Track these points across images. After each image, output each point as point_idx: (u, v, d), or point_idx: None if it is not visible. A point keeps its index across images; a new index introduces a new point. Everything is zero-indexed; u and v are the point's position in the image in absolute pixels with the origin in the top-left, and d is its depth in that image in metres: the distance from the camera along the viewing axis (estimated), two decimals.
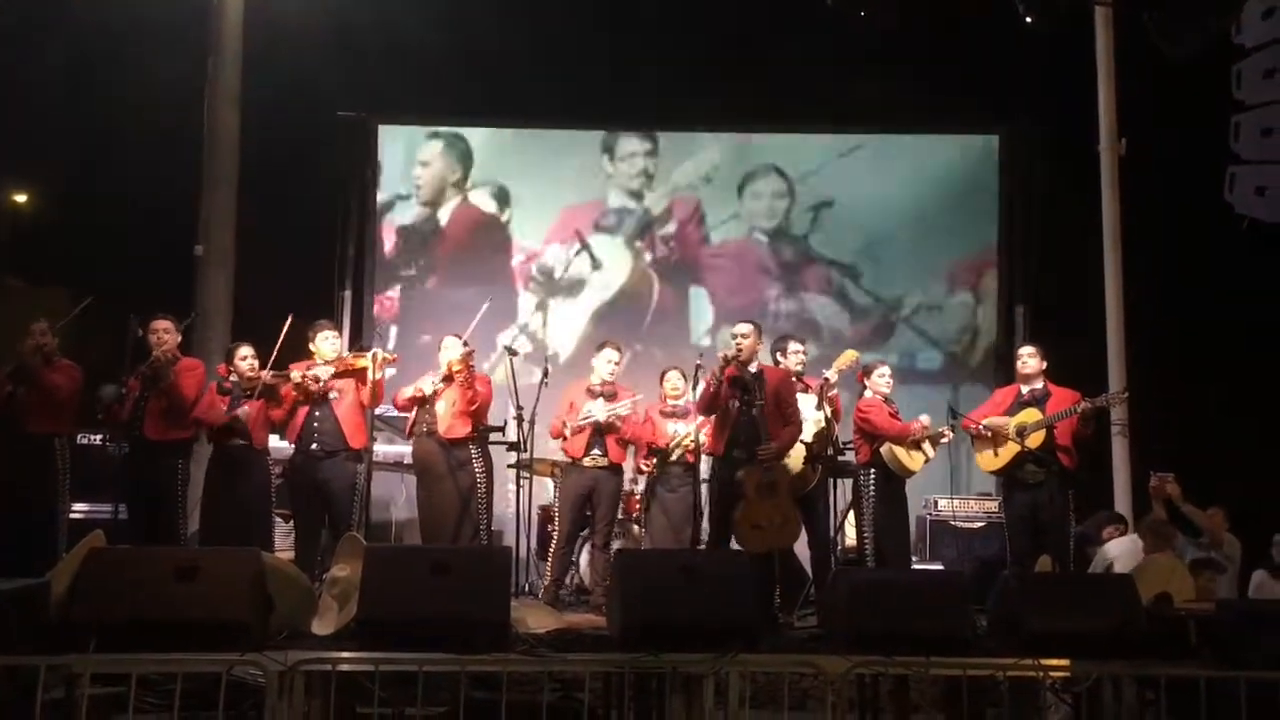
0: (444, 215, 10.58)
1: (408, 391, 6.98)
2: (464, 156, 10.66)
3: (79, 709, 4.13)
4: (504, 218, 10.59)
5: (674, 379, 7.43)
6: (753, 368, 6.35)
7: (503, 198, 10.63)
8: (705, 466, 6.91)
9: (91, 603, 4.20)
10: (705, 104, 10.16)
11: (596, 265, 10.51)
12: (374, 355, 6.73)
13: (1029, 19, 6.65)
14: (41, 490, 6.36)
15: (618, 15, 9.68)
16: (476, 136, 10.62)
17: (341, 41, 9.36)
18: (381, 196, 10.44)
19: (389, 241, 10.45)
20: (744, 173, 10.61)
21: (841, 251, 10.47)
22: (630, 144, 10.65)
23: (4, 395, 6.32)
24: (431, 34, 9.24)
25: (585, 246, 10.58)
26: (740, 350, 6.33)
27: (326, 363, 6.76)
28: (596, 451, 7.00)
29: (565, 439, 7.05)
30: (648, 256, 10.61)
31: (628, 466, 7.44)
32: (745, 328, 6.44)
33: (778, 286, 10.52)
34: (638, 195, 10.64)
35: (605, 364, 7.21)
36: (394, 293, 10.37)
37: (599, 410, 7.01)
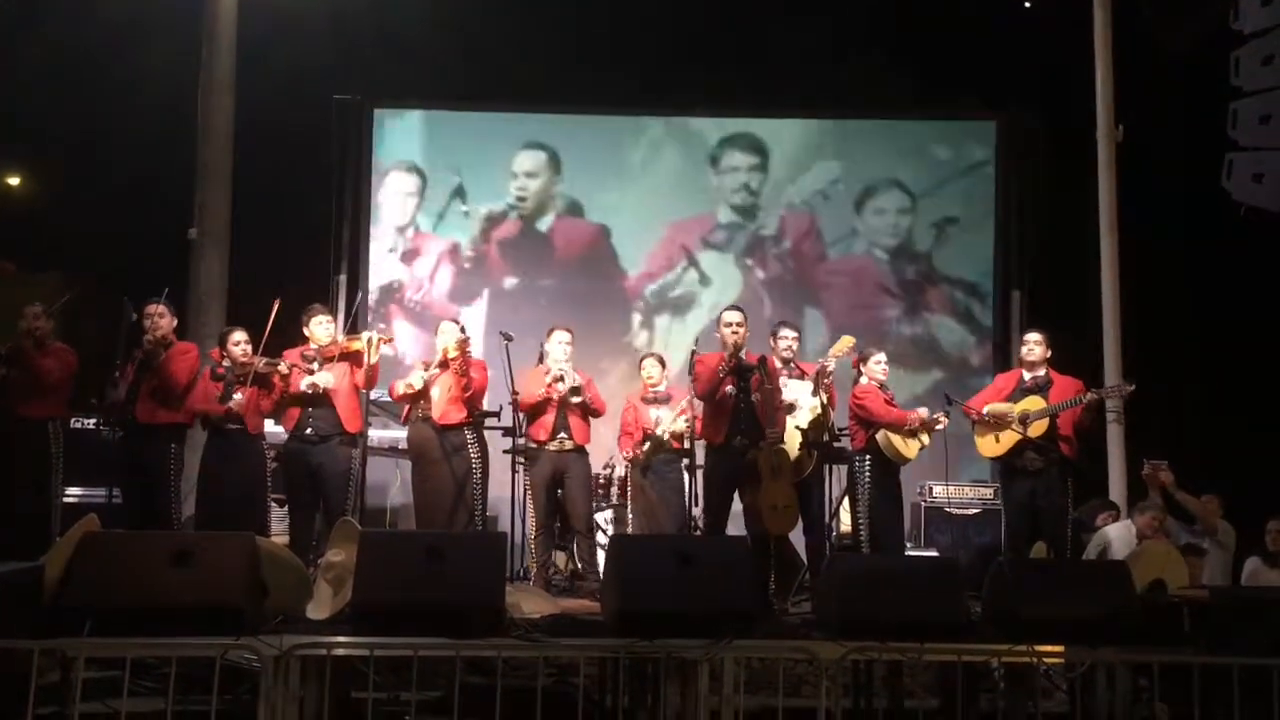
0: (543, 226, 10.32)
1: (400, 387, 6.96)
2: (556, 166, 10.39)
3: (74, 692, 4.13)
4: (606, 230, 10.28)
5: (650, 366, 7.53)
6: (743, 354, 6.41)
7: (602, 210, 10.34)
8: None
9: (86, 587, 4.20)
10: (696, 84, 10.03)
11: (705, 281, 10.17)
12: (369, 339, 6.72)
13: (1027, 4, 6.61)
14: (34, 473, 6.36)
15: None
16: (563, 145, 10.33)
17: (336, 25, 9.32)
18: (469, 225, 10.22)
19: (492, 252, 10.20)
20: (862, 188, 10.22)
21: (967, 269, 10.14)
22: (734, 158, 10.29)
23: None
24: (430, 15, 9.21)
25: (693, 262, 10.21)
26: (738, 340, 6.43)
27: (322, 350, 6.73)
28: (563, 435, 6.96)
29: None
30: (759, 274, 10.21)
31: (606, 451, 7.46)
32: (737, 315, 6.53)
33: (898, 307, 10.12)
34: (747, 211, 10.26)
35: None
36: (480, 303, 10.14)
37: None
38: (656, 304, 10.21)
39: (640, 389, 7.56)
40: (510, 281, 10.22)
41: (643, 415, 7.33)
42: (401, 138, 10.37)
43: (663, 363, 7.65)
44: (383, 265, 10.20)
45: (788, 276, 10.23)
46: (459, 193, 10.30)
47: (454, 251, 10.25)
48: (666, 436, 7.20)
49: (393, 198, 10.28)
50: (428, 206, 10.27)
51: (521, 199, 10.31)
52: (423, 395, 6.86)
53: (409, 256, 10.23)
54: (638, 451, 7.31)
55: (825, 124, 10.48)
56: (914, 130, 10.43)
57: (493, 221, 10.29)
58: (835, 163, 10.34)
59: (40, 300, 6.64)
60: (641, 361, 7.67)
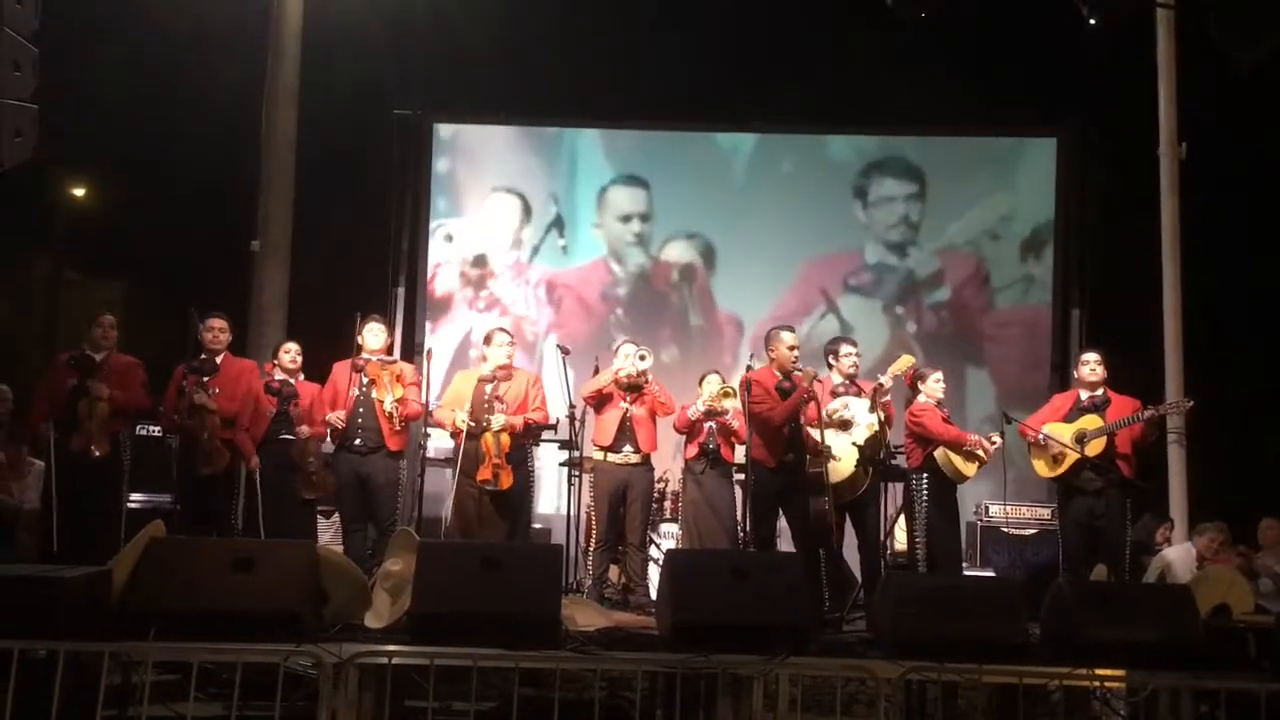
0: (635, 271, 9.82)
1: (446, 426, 6.96)
2: (650, 204, 9.85)
3: (138, 695, 4.20)
4: (711, 274, 9.60)
5: (714, 383, 7.28)
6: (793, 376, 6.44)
7: (706, 251, 9.70)
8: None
9: (151, 591, 4.27)
10: (754, 98, 9.86)
11: (846, 331, 9.01)
12: (398, 375, 6.77)
13: (1091, 20, 6.54)
14: (106, 484, 6.44)
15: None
16: (656, 173, 9.79)
17: (398, 41, 9.43)
18: (566, 261, 9.85)
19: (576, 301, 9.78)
20: (1034, 226, 9.35)
21: None
22: (886, 186, 9.45)
23: (68, 388, 6.42)
24: (490, 30, 9.28)
25: (833, 308, 9.26)
26: (799, 362, 6.51)
27: (369, 374, 6.79)
28: (628, 448, 6.99)
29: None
30: (910, 326, 9.20)
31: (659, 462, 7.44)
32: (794, 337, 6.61)
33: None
34: (900, 249, 9.33)
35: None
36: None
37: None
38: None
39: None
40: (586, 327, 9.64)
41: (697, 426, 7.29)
42: (492, 156, 10.16)
43: (725, 382, 7.37)
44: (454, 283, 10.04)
45: (945, 330, 9.16)
46: (557, 224, 10.07)
47: (550, 287, 9.94)
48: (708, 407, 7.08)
49: (493, 220, 10.08)
50: (529, 234, 10.05)
51: (638, 239, 9.76)
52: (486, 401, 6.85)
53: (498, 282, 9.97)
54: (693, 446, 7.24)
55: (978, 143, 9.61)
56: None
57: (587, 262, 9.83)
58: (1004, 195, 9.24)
59: (98, 310, 6.75)
60: (704, 378, 7.39)
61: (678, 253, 9.89)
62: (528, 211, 10.09)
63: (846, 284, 9.48)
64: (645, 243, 9.90)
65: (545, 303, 10.02)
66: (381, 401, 6.71)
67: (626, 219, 9.94)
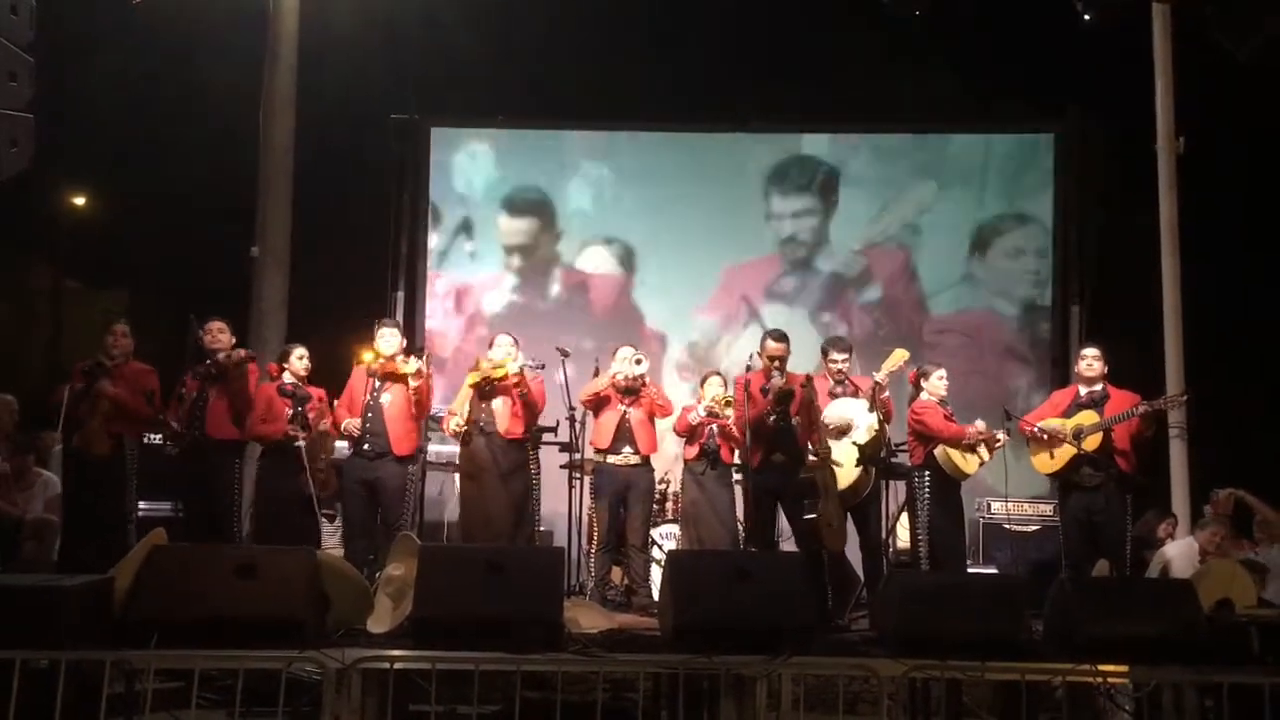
0: (553, 287, 9.67)
1: (451, 425, 6.99)
2: (554, 215, 9.70)
3: (141, 704, 4.20)
4: (633, 280, 9.37)
5: (715, 386, 7.18)
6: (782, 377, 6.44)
7: (625, 257, 9.51)
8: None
9: (153, 599, 4.27)
10: (745, 98, 9.76)
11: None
12: (417, 369, 6.78)
13: (1086, 16, 6.56)
14: (113, 489, 6.49)
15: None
16: (564, 187, 9.65)
17: (393, 46, 9.44)
18: (469, 278, 9.64)
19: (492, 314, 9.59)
20: (980, 222, 9.01)
21: None
22: (795, 187, 9.15)
23: (76, 394, 6.45)
24: (484, 34, 9.29)
25: (755, 317, 8.93)
26: (782, 366, 6.48)
27: (381, 374, 6.81)
28: (627, 449, 6.99)
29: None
30: (842, 330, 8.65)
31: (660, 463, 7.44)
32: (781, 347, 6.55)
33: (1029, 375, 8.89)
34: (815, 254, 8.87)
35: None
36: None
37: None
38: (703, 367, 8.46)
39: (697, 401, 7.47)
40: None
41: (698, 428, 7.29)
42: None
43: (726, 384, 7.29)
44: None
45: (881, 330, 8.72)
46: (465, 228, 9.94)
47: (460, 297, 9.79)
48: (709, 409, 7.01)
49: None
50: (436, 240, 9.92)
51: (511, 265, 9.63)
52: (485, 404, 6.87)
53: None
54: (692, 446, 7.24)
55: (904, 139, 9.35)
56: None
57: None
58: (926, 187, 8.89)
59: (107, 318, 6.80)
60: (706, 379, 7.31)
61: (597, 259, 9.69)
62: (437, 217, 9.99)
63: (770, 293, 9.19)
64: (544, 259, 9.66)
65: (453, 313, 9.93)
66: (405, 376, 6.72)
67: (509, 251, 9.83)
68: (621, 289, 9.64)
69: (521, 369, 6.80)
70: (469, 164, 10.03)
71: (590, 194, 9.85)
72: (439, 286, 9.92)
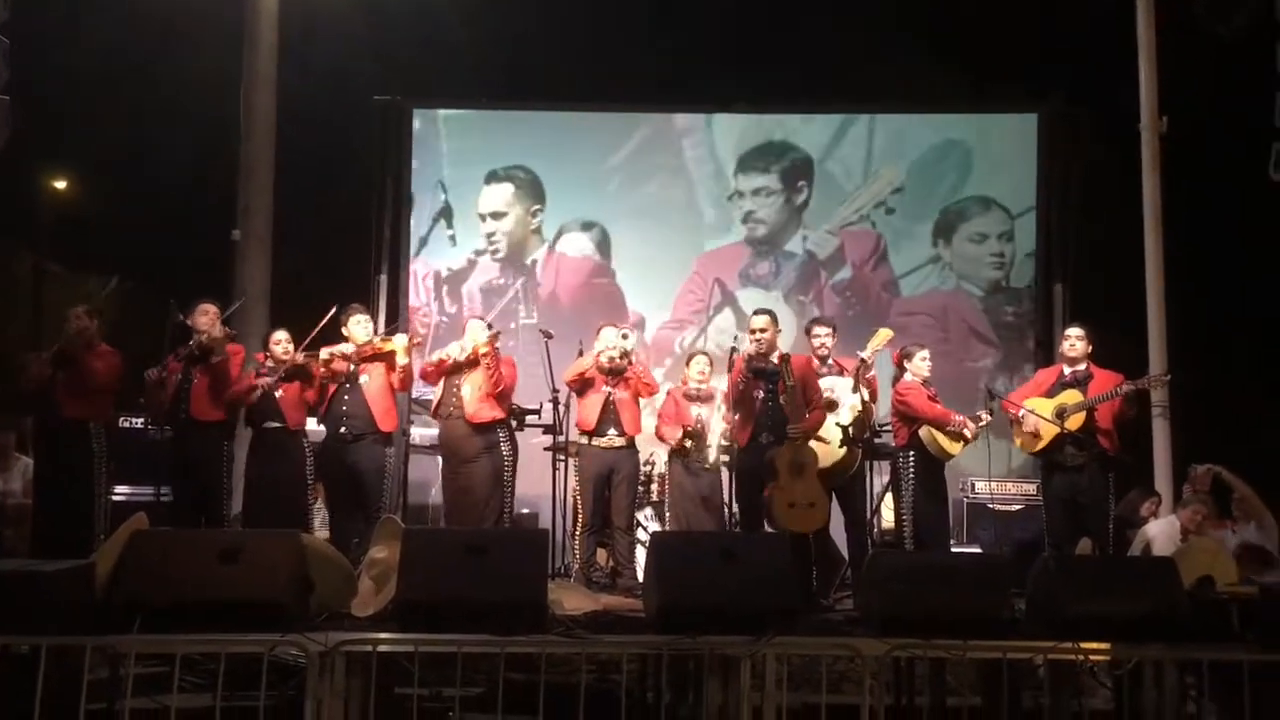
0: (534, 268, 9.61)
1: (434, 358, 7.00)
2: (538, 193, 9.70)
3: (123, 688, 4.19)
4: (610, 265, 9.35)
5: (700, 363, 7.29)
6: (774, 356, 6.30)
7: (603, 242, 9.45)
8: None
9: (135, 584, 4.25)
10: (726, 81, 9.80)
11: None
12: (402, 343, 6.77)
13: None
14: (77, 475, 6.43)
15: None
16: (545, 170, 9.59)
17: (375, 26, 9.39)
18: (449, 262, 9.61)
19: (470, 305, 9.52)
20: (943, 207, 9.15)
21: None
22: (758, 179, 9.14)
23: (44, 379, 6.40)
24: (466, 15, 9.24)
25: (729, 300, 9.01)
26: (761, 344, 6.32)
27: (359, 350, 6.81)
28: (612, 431, 6.98)
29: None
30: (815, 312, 8.72)
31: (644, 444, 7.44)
32: (762, 320, 6.41)
33: (994, 355, 9.03)
34: (789, 238, 8.94)
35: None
36: None
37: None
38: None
39: (682, 383, 7.50)
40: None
41: (683, 409, 7.30)
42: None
43: (712, 364, 7.39)
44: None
45: (851, 310, 8.87)
46: (445, 214, 9.89)
47: (437, 281, 9.75)
48: (716, 443, 7.06)
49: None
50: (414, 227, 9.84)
51: (493, 243, 9.63)
52: (455, 389, 6.88)
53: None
54: (679, 444, 7.26)
55: (869, 121, 9.39)
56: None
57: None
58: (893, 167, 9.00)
59: (84, 302, 6.74)
60: (692, 358, 7.41)
61: (575, 243, 9.68)
62: (415, 203, 9.92)
63: (745, 277, 9.24)
64: (522, 240, 9.62)
65: (434, 298, 9.87)
66: (395, 351, 6.75)
67: (489, 219, 9.77)
68: (599, 271, 9.65)
69: (491, 338, 6.80)
70: (449, 144, 9.97)
71: (570, 175, 9.83)
72: (417, 269, 9.89)
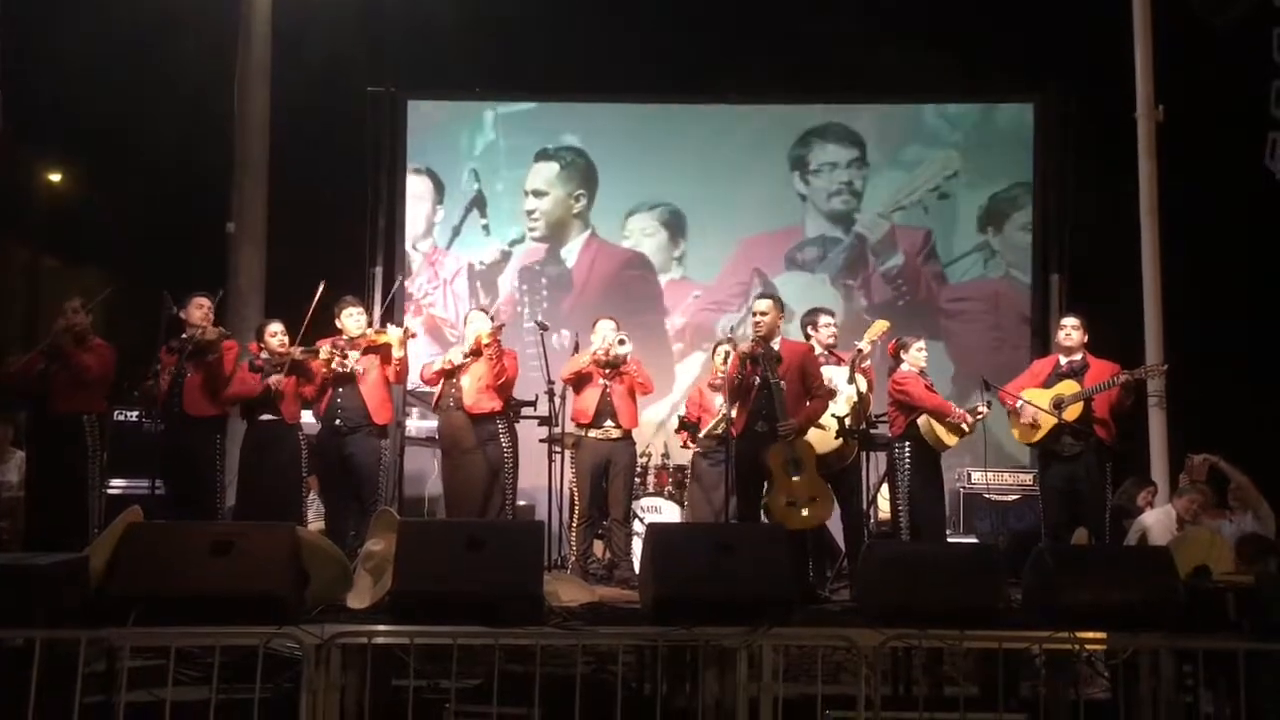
0: (569, 255, 9.63)
1: (436, 364, 7.05)
2: (586, 177, 9.66)
3: (119, 681, 4.18)
4: (648, 253, 9.34)
5: (725, 353, 7.18)
6: (775, 344, 6.25)
7: (671, 221, 9.37)
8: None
9: (130, 577, 4.24)
10: (729, 71, 9.69)
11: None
12: (397, 335, 6.75)
13: None
14: (71, 468, 6.38)
15: None
16: (601, 152, 9.55)
17: (370, 17, 9.35)
18: (482, 255, 9.58)
19: (506, 288, 9.58)
20: (990, 195, 9.18)
21: None
22: (828, 152, 9.09)
23: (36, 372, 6.38)
24: (462, 4, 9.20)
25: (767, 287, 8.79)
26: (759, 328, 6.24)
27: (353, 342, 6.78)
28: (609, 423, 6.98)
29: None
30: (862, 300, 8.90)
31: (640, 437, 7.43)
32: (764, 304, 6.32)
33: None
34: (844, 218, 9.01)
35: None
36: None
37: None
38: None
39: (712, 375, 7.47)
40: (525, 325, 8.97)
41: (708, 401, 7.29)
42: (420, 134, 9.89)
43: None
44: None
45: (901, 300, 8.85)
46: (479, 203, 9.87)
47: (470, 274, 9.73)
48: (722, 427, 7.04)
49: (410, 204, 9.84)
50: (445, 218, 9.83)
51: (533, 220, 9.62)
52: (454, 374, 6.88)
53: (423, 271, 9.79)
54: (698, 443, 7.24)
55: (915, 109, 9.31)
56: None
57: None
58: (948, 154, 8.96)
59: (79, 295, 6.71)
60: (716, 348, 7.41)
61: (638, 227, 9.65)
62: (440, 190, 9.89)
63: (791, 261, 9.24)
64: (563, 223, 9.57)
65: (470, 294, 9.81)
66: (390, 344, 6.76)
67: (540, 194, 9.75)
68: (636, 262, 9.61)
69: (495, 330, 6.80)
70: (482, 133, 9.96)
71: (617, 164, 9.79)
72: (448, 261, 9.84)
